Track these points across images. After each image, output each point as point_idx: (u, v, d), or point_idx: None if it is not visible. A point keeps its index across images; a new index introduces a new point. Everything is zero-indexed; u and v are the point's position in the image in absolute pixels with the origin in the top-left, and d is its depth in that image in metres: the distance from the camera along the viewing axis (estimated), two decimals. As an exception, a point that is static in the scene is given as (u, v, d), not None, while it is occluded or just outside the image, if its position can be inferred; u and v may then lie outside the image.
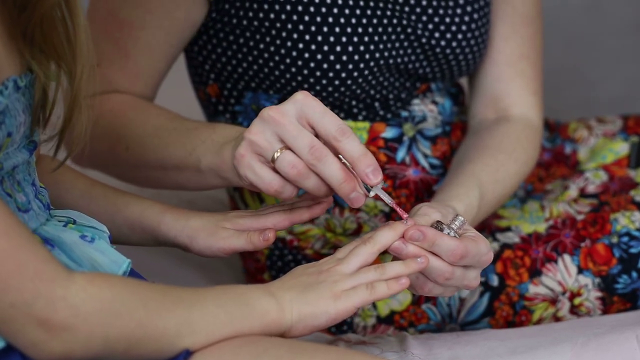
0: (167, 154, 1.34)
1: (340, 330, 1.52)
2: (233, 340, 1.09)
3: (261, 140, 1.16)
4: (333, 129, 1.15)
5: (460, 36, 1.50)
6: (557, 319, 1.50)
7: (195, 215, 1.27)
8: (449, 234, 1.22)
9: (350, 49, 1.43)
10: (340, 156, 1.16)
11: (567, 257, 1.50)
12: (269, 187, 1.17)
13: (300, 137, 1.14)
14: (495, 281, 1.50)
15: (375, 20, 1.45)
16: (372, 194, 1.18)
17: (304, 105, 1.15)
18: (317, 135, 1.16)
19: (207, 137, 1.30)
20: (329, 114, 1.15)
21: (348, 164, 1.16)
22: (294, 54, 1.42)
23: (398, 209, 1.21)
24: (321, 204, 1.26)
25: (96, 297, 1.01)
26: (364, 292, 1.15)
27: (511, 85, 1.57)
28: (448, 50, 1.51)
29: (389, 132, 1.52)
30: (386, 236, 1.20)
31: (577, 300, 1.49)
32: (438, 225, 1.22)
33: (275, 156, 1.15)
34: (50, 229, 1.14)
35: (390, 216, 1.53)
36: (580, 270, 1.49)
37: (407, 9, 1.48)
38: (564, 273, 1.50)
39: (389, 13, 1.47)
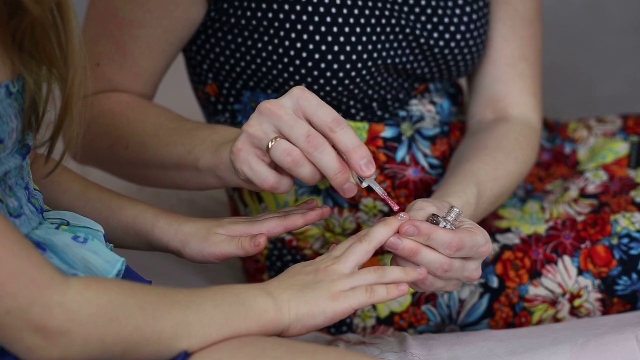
0: (166, 153, 1.35)
1: (339, 331, 1.52)
2: (231, 342, 1.08)
3: (258, 132, 1.17)
4: (328, 119, 1.16)
5: (459, 36, 1.50)
6: (557, 320, 1.50)
7: (189, 221, 1.27)
8: (445, 226, 1.22)
9: (348, 48, 1.43)
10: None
11: (567, 258, 1.50)
12: (264, 182, 1.18)
13: (296, 127, 1.16)
14: (495, 283, 1.49)
15: (373, 20, 1.45)
16: (364, 184, 1.18)
17: (300, 98, 1.17)
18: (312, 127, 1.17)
19: (206, 138, 1.30)
20: (324, 106, 1.16)
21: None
22: (292, 53, 1.42)
23: (389, 201, 1.22)
24: (316, 211, 1.27)
25: (93, 301, 1.01)
26: (363, 295, 1.15)
27: (510, 86, 1.57)
28: (447, 51, 1.50)
29: (387, 132, 1.52)
30: (381, 233, 1.20)
31: (577, 302, 1.49)
32: (434, 219, 1.22)
33: (270, 145, 1.16)
34: (41, 232, 1.13)
35: (389, 216, 1.52)
36: (581, 272, 1.49)
37: (406, 8, 1.48)
38: (564, 275, 1.49)
39: (387, 13, 1.47)
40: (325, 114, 1.16)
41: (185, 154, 1.32)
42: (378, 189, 1.21)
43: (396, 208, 1.22)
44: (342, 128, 1.16)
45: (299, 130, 1.15)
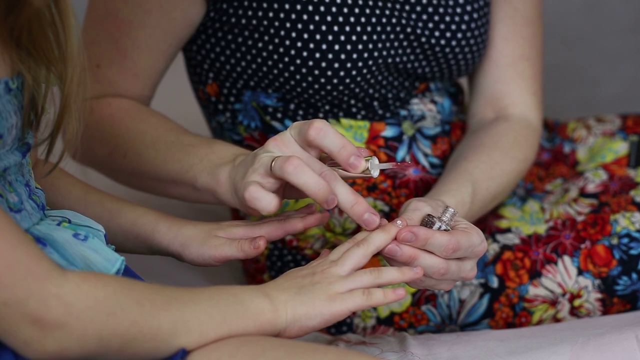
0: (164, 167, 1.36)
1: (339, 330, 1.52)
2: (231, 341, 1.08)
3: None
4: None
5: (459, 35, 1.50)
6: (557, 320, 1.50)
7: (189, 224, 1.28)
8: (440, 226, 1.23)
9: (349, 47, 1.43)
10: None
11: (567, 258, 1.50)
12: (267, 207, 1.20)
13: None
14: (495, 283, 1.49)
15: (374, 19, 1.45)
16: (375, 174, 1.20)
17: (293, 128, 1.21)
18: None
19: (204, 156, 1.32)
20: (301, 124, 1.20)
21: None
22: (292, 52, 1.43)
23: (401, 164, 1.25)
24: (315, 215, 1.27)
25: (90, 295, 1.01)
26: (360, 297, 1.16)
27: (511, 85, 1.57)
28: (447, 50, 1.51)
29: (388, 131, 1.52)
30: (379, 238, 1.21)
31: (577, 302, 1.49)
32: (429, 219, 1.23)
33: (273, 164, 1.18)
34: (42, 228, 1.13)
35: (389, 215, 1.53)
36: (580, 272, 1.49)
37: (407, 7, 1.48)
38: (563, 274, 1.49)
39: (387, 12, 1.47)
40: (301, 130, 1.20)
41: (182, 171, 1.34)
42: (386, 165, 1.23)
43: (406, 163, 1.26)
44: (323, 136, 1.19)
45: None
